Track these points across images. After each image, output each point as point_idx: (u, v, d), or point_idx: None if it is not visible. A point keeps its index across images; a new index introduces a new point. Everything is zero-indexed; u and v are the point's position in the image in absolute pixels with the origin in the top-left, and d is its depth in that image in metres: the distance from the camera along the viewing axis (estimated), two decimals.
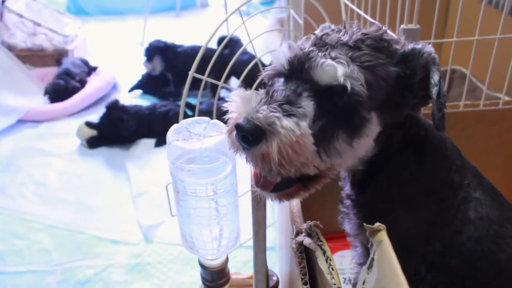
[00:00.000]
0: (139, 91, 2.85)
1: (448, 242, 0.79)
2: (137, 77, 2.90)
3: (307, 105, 0.64)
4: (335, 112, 0.65)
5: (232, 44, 2.69)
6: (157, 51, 2.74)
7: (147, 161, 2.16)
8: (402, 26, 0.78)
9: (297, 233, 0.75)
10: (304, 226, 0.72)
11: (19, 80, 2.68)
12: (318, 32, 0.71)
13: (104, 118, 2.26)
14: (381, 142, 0.72)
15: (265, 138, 0.60)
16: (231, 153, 0.72)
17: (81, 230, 1.72)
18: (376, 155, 0.74)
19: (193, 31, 3.89)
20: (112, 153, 2.24)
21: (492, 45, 1.21)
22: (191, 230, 0.78)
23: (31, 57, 2.88)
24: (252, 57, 2.49)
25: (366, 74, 0.64)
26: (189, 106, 2.38)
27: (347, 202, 0.86)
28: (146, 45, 2.84)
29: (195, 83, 1.06)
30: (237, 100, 0.66)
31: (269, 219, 1.40)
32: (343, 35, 0.68)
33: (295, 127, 0.61)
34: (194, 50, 2.76)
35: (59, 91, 2.61)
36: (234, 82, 2.70)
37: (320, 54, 0.65)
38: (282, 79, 0.70)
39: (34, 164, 2.15)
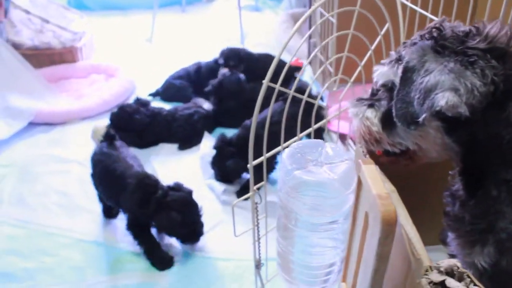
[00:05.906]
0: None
1: None
2: (150, 77, 2.76)
3: None
4: None
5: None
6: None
7: (173, 162, 2.06)
8: None
9: (426, 270, 0.66)
10: (444, 264, 0.63)
11: (26, 81, 2.53)
12: None
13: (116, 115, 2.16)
14: None
15: None
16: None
17: (112, 244, 1.61)
18: None
19: (200, 27, 3.77)
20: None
21: None
22: (306, 264, 0.68)
23: (38, 56, 2.72)
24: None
25: None
26: None
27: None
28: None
29: None
30: None
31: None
32: None
33: None
34: None
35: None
36: None
37: None
38: None
39: (52, 171, 2.02)
